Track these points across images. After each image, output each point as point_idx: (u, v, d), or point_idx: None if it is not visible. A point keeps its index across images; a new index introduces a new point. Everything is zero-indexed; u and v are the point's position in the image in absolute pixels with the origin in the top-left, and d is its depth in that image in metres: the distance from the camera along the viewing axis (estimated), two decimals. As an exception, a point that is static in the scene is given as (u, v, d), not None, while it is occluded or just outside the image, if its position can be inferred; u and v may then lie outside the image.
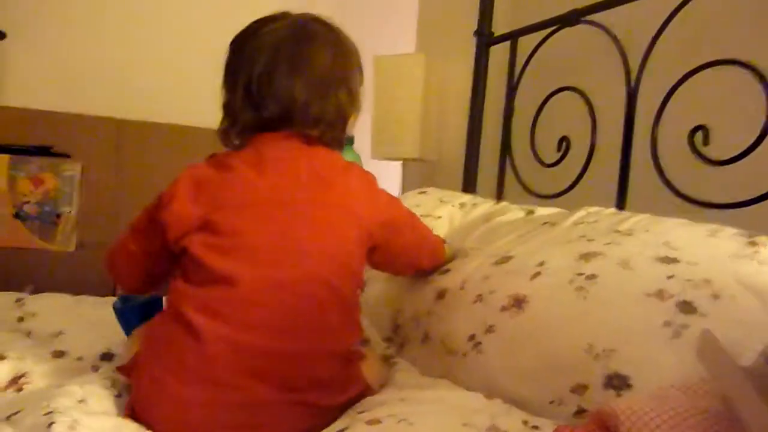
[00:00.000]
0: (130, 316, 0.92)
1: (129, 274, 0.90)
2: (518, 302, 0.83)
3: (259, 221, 0.77)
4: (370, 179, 0.87)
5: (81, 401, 0.69)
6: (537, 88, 1.56)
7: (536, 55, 1.57)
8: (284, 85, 0.82)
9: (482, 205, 1.29)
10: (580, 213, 1.04)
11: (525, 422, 0.65)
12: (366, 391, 0.81)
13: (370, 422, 0.67)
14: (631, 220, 0.92)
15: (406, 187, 2.16)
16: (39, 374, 0.82)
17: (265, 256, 0.75)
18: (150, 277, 0.90)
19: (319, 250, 0.77)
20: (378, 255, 0.88)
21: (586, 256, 0.84)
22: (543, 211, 1.16)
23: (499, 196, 1.64)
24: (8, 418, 0.65)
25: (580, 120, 1.40)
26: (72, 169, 2.24)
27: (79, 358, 0.95)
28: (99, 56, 2.61)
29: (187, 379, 0.70)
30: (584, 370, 0.71)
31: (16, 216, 2.17)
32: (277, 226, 0.77)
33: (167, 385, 0.70)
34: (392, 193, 0.94)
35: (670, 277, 0.73)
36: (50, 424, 0.61)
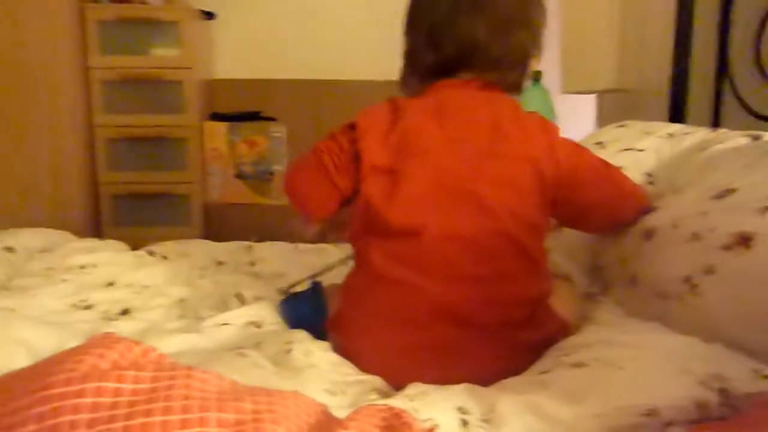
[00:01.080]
0: (299, 308, 0.89)
1: (317, 192, 0.85)
2: (744, 240, 0.74)
3: (441, 174, 0.77)
4: (551, 129, 0.83)
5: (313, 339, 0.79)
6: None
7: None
8: (465, 25, 0.81)
9: (696, 134, 1.15)
10: (823, 134, 0.88)
11: (756, 371, 0.59)
12: (564, 329, 0.79)
13: (575, 365, 0.65)
14: None
15: (602, 125, 2.01)
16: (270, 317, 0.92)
17: (446, 210, 0.75)
18: (339, 195, 0.84)
19: (500, 204, 0.76)
20: (565, 210, 0.84)
21: (832, 185, 0.71)
22: (773, 135, 1.00)
23: (716, 124, 1.46)
24: (256, 345, 0.76)
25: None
26: (279, 131, 2.46)
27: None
28: (294, 25, 2.81)
29: (385, 324, 0.74)
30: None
31: (237, 176, 2.46)
32: (459, 182, 0.76)
33: (371, 331, 0.75)
34: (585, 133, 0.88)
35: None
36: (289, 351, 0.71)
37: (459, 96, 0.82)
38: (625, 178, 0.92)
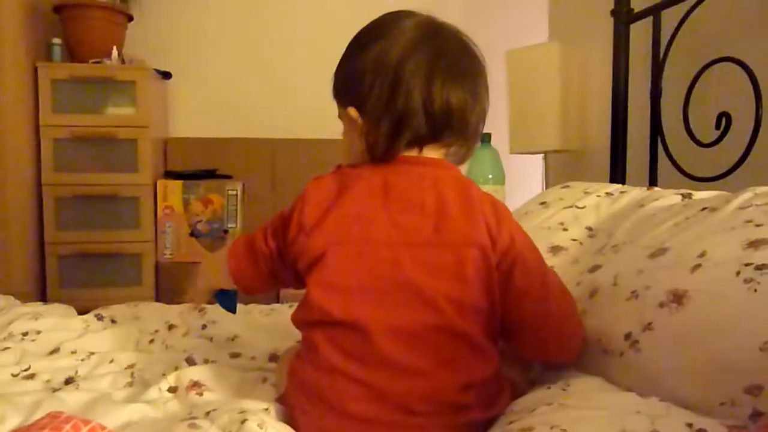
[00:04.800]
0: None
1: (251, 270, 0.88)
2: (678, 298, 0.78)
3: (380, 265, 0.75)
4: (502, 213, 0.81)
5: (265, 409, 0.78)
6: (686, 64, 1.45)
7: (683, 27, 1.45)
8: (454, 92, 0.79)
9: (631, 192, 1.22)
10: (746, 195, 0.94)
11: (689, 425, 0.61)
12: (515, 393, 0.80)
13: (522, 430, 0.66)
14: (809, 201, 0.83)
15: (549, 182, 2.10)
16: (216, 380, 0.91)
17: (384, 303, 0.73)
18: (271, 278, 0.88)
19: (440, 295, 0.73)
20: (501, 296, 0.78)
21: (755, 244, 0.77)
22: (702, 194, 1.07)
23: (652, 183, 1.54)
24: (208, 414, 0.74)
25: (741, 94, 1.28)
26: (234, 188, 2.47)
27: (252, 358, 1.06)
28: (249, 85, 2.87)
29: (331, 415, 0.72)
30: (759, 370, 0.65)
31: (191, 234, 2.44)
32: (399, 273, 0.74)
33: (318, 421, 0.73)
34: (534, 189, 0.90)
35: None
36: (244, 421, 0.70)
37: (409, 175, 0.80)
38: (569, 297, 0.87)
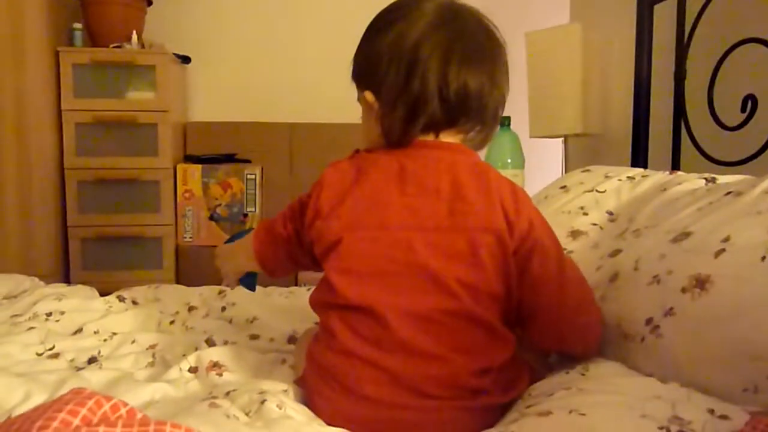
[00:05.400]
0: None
1: (272, 253, 0.91)
2: (701, 283, 0.77)
3: (395, 249, 0.75)
4: (520, 197, 0.79)
5: (284, 390, 0.79)
6: (711, 45, 1.41)
7: (708, 7, 1.41)
8: (471, 75, 0.78)
9: (654, 176, 1.20)
10: (772, 179, 0.92)
11: (711, 411, 0.61)
12: (532, 375, 0.80)
13: (541, 414, 0.66)
14: (838, 184, 0.81)
15: (569, 167, 2.08)
16: (236, 361, 0.92)
17: (399, 287, 0.74)
18: (291, 261, 0.90)
19: (455, 280, 0.73)
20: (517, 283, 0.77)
21: (780, 229, 0.75)
22: (726, 178, 1.05)
23: (675, 167, 1.52)
24: (228, 394, 0.75)
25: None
26: (253, 172, 2.48)
27: (271, 339, 1.07)
28: (268, 69, 2.87)
29: (347, 398, 0.73)
30: (784, 356, 0.64)
31: (211, 218, 2.46)
32: (414, 257, 0.74)
33: (334, 403, 0.74)
34: (554, 173, 0.89)
35: None
36: (263, 401, 0.71)
37: (425, 160, 0.79)
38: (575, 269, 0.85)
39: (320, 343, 0.78)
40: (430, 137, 0.81)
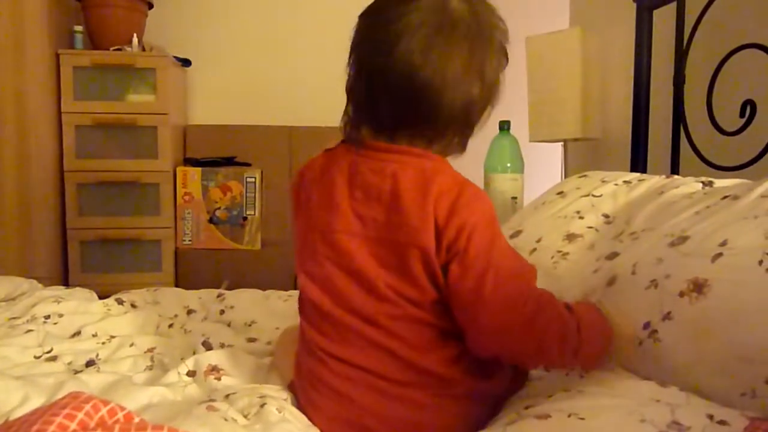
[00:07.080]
0: None
1: None
2: (698, 287, 0.77)
3: (342, 258, 0.75)
4: (459, 201, 0.72)
5: (284, 399, 0.79)
6: (711, 50, 1.42)
7: (708, 12, 1.42)
8: (427, 75, 0.71)
9: (650, 180, 1.20)
10: (769, 184, 0.92)
11: (710, 416, 0.61)
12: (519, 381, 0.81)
13: (539, 417, 0.66)
14: (836, 189, 0.81)
15: (569, 171, 2.08)
16: (234, 365, 0.92)
17: (344, 288, 0.74)
18: None
19: (390, 288, 0.72)
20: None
21: (778, 234, 0.75)
22: (723, 182, 1.05)
23: (674, 172, 1.52)
24: (226, 396, 0.76)
25: (767, 81, 1.25)
26: (253, 176, 2.48)
27: (269, 343, 1.07)
28: (269, 74, 2.87)
29: (329, 398, 0.74)
30: (781, 361, 0.64)
31: (210, 221, 2.46)
32: (357, 267, 0.74)
33: (318, 404, 0.75)
34: (553, 178, 0.87)
35: None
36: (263, 405, 0.72)
37: (372, 162, 0.75)
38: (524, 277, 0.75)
39: (301, 345, 0.81)
40: (382, 139, 0.76)
